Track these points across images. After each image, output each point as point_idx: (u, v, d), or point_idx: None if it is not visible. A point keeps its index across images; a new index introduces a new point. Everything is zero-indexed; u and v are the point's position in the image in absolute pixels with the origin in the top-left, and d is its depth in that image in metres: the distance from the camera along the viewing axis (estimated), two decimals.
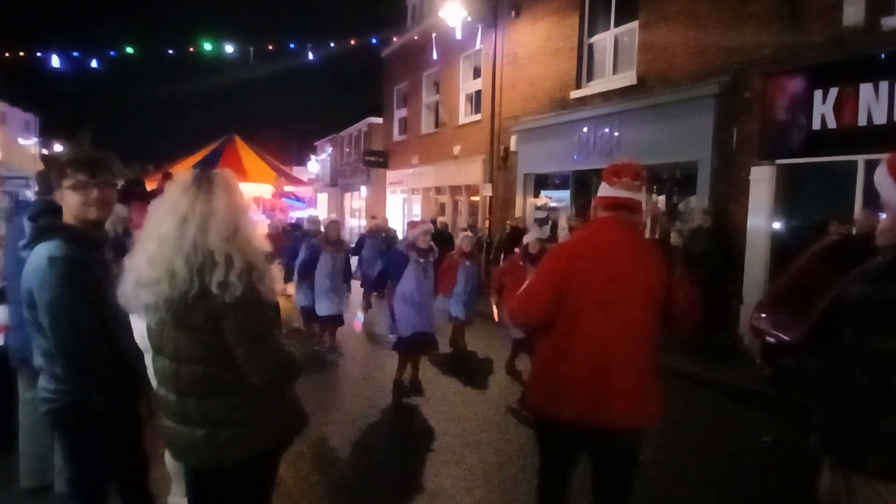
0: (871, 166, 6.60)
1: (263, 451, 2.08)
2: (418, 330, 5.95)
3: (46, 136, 44.81)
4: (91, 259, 2.23)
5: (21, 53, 15.22)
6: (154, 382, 2.15)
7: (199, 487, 2.18)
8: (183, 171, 2.12)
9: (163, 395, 2.05)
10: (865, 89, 6.55)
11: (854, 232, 5.72)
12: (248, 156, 16.67)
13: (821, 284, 1.96)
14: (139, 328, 2.53)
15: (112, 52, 15.17)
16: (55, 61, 14.81)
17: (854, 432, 1.77)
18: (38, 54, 15.18)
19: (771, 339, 2.11)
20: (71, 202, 2.24)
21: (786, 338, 2.03)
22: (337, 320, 7.75)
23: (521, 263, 6.03)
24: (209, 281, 1.83)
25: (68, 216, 2.27)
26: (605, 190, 2.61)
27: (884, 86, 6.39)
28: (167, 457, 3.18)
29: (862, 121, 6.60)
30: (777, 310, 2.13)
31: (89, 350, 2.14)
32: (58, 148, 43.64)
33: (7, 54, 15.20)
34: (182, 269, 1.82)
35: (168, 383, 2.00)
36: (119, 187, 7.94)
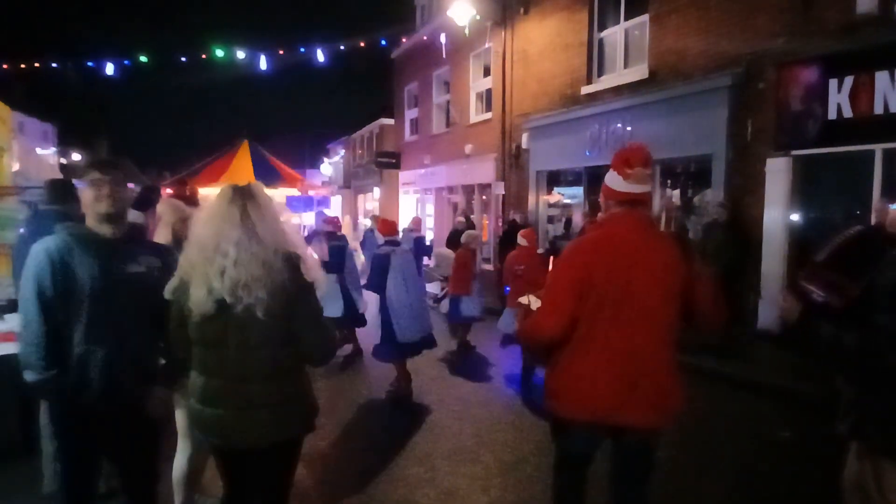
0: (888, 155, 6.50)
1: (304, 431, 2.43)
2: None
3: (64, 145, 45.38)
4: (82, 256, 2.33)
5: (37, 65, 15.48)
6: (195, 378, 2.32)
7: (241, 468, 2.40)
8: (232, 181, 2.36)
9: (216, 386, 2.24)
10: (881, 77, 6.44)
11: (873, 221, 5.63)
12: (240, 161, 16.88)
13: (866, 259, 2.00)
14: None
15: (126, 61, 15.37)
16: (71, 71, 15.05)
17: (886, 418, 1.76)
18: (55, 65, 15.43)
19: (818, 298, 2.11)
20: (87, 198, 2.44)
21: (831, 301, 2.06)
22: None
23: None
24: (288, 270, 2.18)
25: (87, 214, 2.45)
26: (617, 183, 2.49)
27: None
28: (177, 465, 3.20)
29: (878, 109, 6.49)
30: (830, 270, 2.14)
31: (34, 329, 2.26)
32: (76, 157, 44.25)
33: (23, 65, 15.47)
34: (276, 262, 2.16)
35: (229, 372, 2.21)
36: (135, 195, 8.00)
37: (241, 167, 16.15)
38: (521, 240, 6.72)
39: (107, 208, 2.41)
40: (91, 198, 2.42)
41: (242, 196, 2.22)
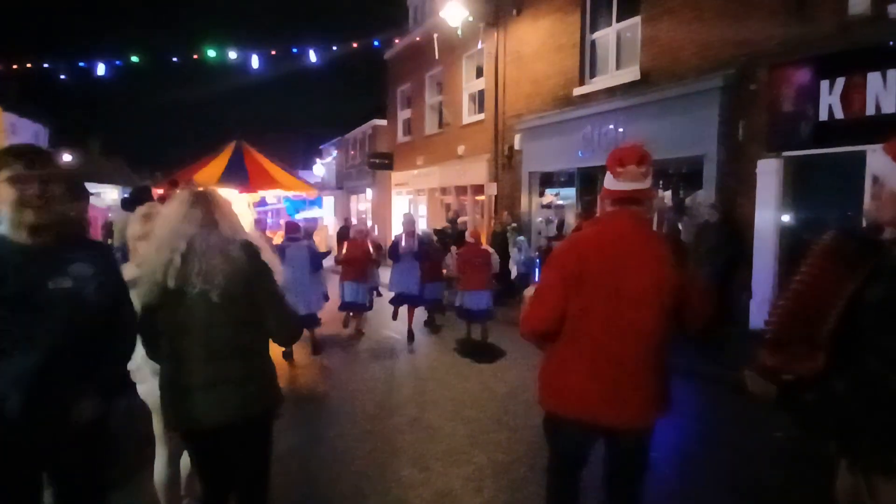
0: None
1: (271, 408, 2.52)
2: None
3: (56, 146, 45.04)
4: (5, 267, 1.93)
5: (29, 65, 15.36)
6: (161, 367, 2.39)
7: (210, 449, 2.46)
8: (200, 182, 2.47)
9: (184, 369, 2.32)
10: (873, 78, 6.47)
11: (864, 223, 5.64)
12: (267, 163, 16.72)
13: (827, 296, 1.85)
14: None
15: (118, 62, 15.27)
16: (63, 72, 14.95)
17: (878, 434, 1.70)
18: (46, 65, 15.30)
19: (788, 377, 1.97)
20: (6, 198, 1.92)
21: (804, 370, 1.90)
22: None
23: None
24: (247, 257, 2.35)
25: (6, 217, 1.95)
26: (610, 182, 2.51)
27: (892, 74, 6.31)
28: (157, 469, 3.16)
29: (870, 110, 6.52)
30: (786, 343, 1.99)
31: None
32: (67, 157, 43.95)
33: (15, 66, 15.35)
34: (234, 249, 2.32)
35: (195, 354, 2.30)
36: (126, 196, 7.90)
37: (212, 170, 15.86)
38: (469, 237, 8.77)
39: (34, 219, 1.91)
40: (13, 199, 1.89)
41: (204, 200, 2.39)
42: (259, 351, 2.45)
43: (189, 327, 2.29)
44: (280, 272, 2.57)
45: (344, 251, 9.10)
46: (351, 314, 9.07)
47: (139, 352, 2.72)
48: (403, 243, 8.67)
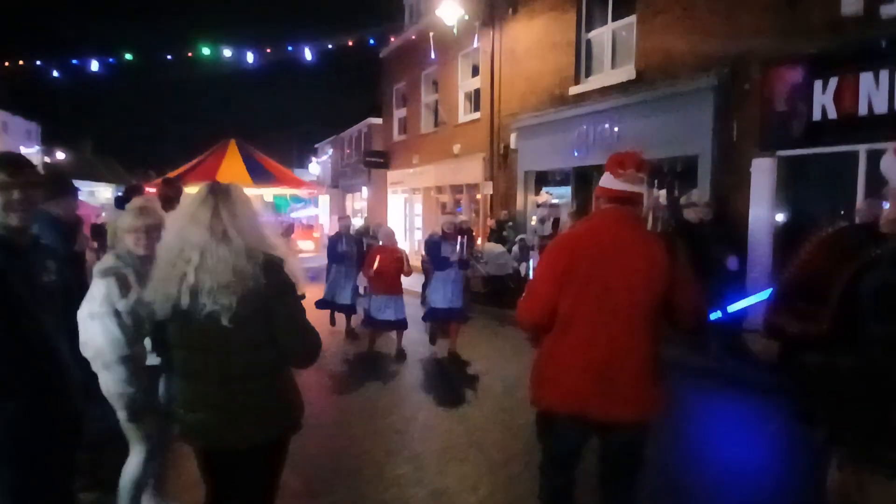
0: (872, 155, 6.57)
1: (288, 431, 2.34)
2: None
3: (48, 144, 45.00)
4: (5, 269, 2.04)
5: (21, 62, 15.29)
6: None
7: (225, 471, 2.32)
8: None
9: (197, 389, 2.18)
10: (865, 78, 6.52)
11: (857, 221, 5.68)
12: (231, 162, 16.49)
13: (834, 270, 1.91)
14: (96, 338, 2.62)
15: (111, 60, 15.22)
16: (55, 70, 14.89)
17: (868, 427, 1.71)
18: (39, 63, 15.23)
19: (794, 330, 2.00)
20: None
21: (807, 330, 1.93)
22: None
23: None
24: (265, 274, 2.06)
25: None
26: (609, 181, 2.56)
27: (884, 74, 6.36)
28: (127, 469, 3.05)
29: (863, 110, 6.57)
30: (793, 300, 2.04)
31: None
32: (60, 156, 43.82)
33: (7, 63, 15.27)
34: (249, 266, 2.04)
35: (210, 375, 2.14)
36: (120, 194, 7.85)
37: (233, 168, 15.93)
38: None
39: (19, 221, 2.04)
40: None
41: (216, 196, 2.12)
42: (278, 372, 2.25)
43: (202, 347, 2.12)
44: (304, 282, 2.35)
45: (377, 262, 7.46)
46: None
47: (97, 339, 2.61)
48: (446, 250, 7.31)
